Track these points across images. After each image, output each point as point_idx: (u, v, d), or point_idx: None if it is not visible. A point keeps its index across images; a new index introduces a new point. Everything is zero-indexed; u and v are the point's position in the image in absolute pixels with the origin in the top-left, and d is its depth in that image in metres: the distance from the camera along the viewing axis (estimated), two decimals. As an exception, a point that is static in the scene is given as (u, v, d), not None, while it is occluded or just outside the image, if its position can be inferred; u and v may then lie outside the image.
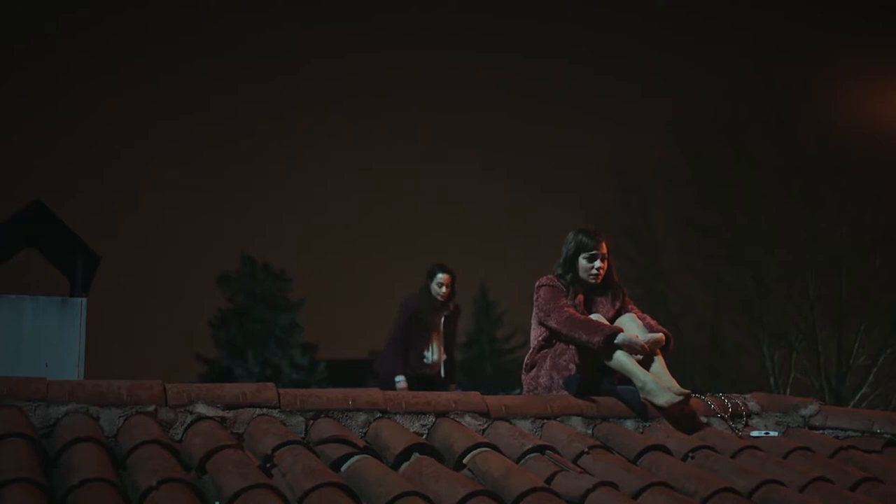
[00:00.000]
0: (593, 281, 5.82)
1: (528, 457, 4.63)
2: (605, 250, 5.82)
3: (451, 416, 4.95)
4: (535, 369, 5.72)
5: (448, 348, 9.13)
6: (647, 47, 44.29)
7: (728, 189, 25.96)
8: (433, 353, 9.00)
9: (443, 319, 9.05)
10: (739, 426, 5.49)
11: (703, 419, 5.47)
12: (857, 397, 23.24)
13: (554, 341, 5.68)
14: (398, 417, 4.87)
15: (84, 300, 9.56)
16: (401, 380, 8.87)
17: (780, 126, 25.90)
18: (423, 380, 8.91)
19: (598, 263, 5.79)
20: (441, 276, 8.96)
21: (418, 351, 8.92)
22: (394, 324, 9.09)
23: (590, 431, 5.18)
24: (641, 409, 5.36)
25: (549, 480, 4.37)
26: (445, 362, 9.07)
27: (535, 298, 5.82)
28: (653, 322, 5.83)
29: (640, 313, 5.87)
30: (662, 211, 27.44)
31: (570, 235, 5.86)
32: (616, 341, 5.51)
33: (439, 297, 8.93)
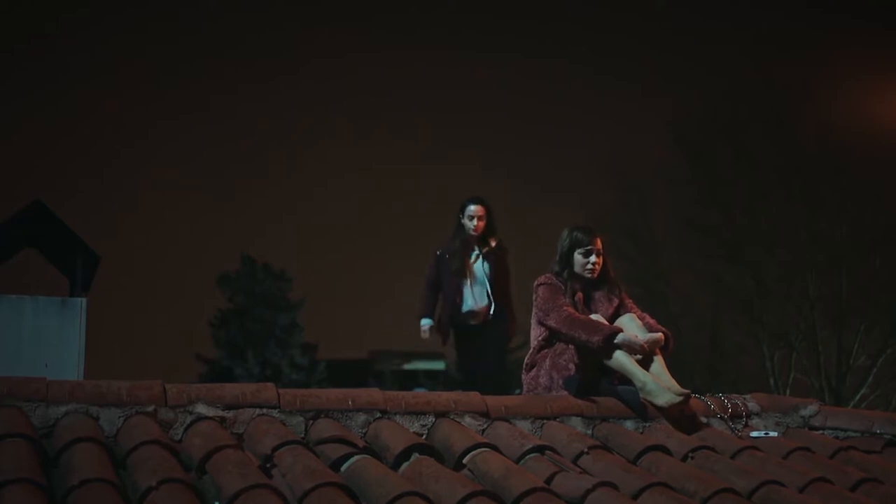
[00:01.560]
0: (590, 276, 5.85)
1: (527, 457, 4.63)
2: (599, 245, 5.87)
3: (451, 417, 4.95)
4: (534, 369, 5.73)
5: (498, 290, 7.90)
6: (647, 47, 44.32)
7: (728, 189, 25.95)
8: (470, 299, 7.86)
9: (481, 259, 7.91)
10: (739, 427, 5.49)
11: (703, 419, 5.47)
12: (857, 398, 23.24)
13: (554, 341, 5.69)
14: (398, 417, 4.87)
15: (84, 300, 9.55)
16: (426, 324, 8.06)
17: (780, 126, 25.89)
18: (467, 330, 7.96)
19: (593, 258, 5.84)
20: (473, 208, 7.87)
21: (451, 298, 7.89)
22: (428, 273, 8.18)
23: (589, 432, 5.18)
24: (641, 409, 5.36)
25: (548, 481, 4.37)
26: (496, 308, 7.90)
27: (534, 298, 5.83)
28: (652, 321, 5.84)
29: (639, 313, 5.88)
30: (662, 211, 27.46)
31: (565, 233, 5.91)
32: (616, 341, 5.52)
33: (472, 232, 7.83)
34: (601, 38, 44.76)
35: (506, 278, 8.01)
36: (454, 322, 7.98)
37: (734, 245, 25.46)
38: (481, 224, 7.85)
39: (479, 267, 7.89)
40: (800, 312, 24.34)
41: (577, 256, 5.85)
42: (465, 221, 7.87)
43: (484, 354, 7.94)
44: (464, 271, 7.84)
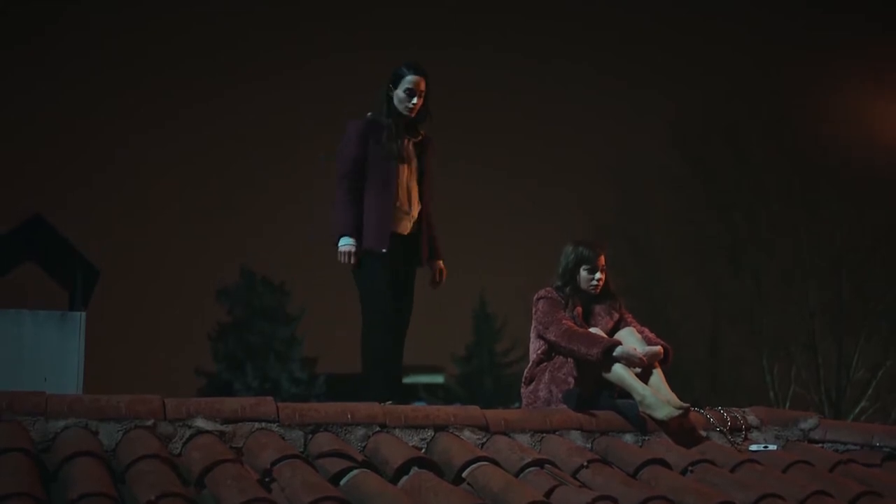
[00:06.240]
0: (594, 292, 5.86)
1: (527, 471, 4.63)
2: (603, 262, 5.88)
3: (451, 430, 4.94)
4: (534, 383, 5.73)
5: (427, 199, 5.86)
6: (648, 47, 44.33)
7: (728, 192, 25.95)
8: (409, 201, 5.75)
9: (412, 147, 5.79)
10: (739, 440, 5.49)
11: (703, 433, 5.47)
12: (857, 410, 23.22)
13: (553, 354, 5.69)
14: (397, 431, 4.87)
15: (83, 314, 9.56)
16: (347, 244, 5.67)
17: (780, 127, 25.85)
18: (402, 243, 5.77)
19: (598, 275, 5.85)
20: (413, 78, 5.70)
21: (386, 197, 5.64)
22: (339, 161, 5.74)
23: (589, 445, 5.18)
24: (640, 422, 5.37)
25: (548, 494, 4.38)
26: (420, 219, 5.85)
27: (533, 311, 5.84)
28: (651, 335, 5.84)
29: (638, 326, 5.89)
30: (662, 214, 27.42)
31: (570, 248, 5.90)
32: (614, 354, 5.52)
33: (408, 113, 5.73)
34: (601, 37, 44.83)
35: (432, 185, 5.94)
36: (389, 226, 5.66)
37: (734, 248, 25.46)
38: (420, 103, 5.71)
39: (416, 161, 5.80)
40: (800, 321, 24.30)
41: (583, 273, 5.86)
42: (400, 94, 5.70)
43: (405, 288, 5.87)
44: (402, 156, 5.66)
